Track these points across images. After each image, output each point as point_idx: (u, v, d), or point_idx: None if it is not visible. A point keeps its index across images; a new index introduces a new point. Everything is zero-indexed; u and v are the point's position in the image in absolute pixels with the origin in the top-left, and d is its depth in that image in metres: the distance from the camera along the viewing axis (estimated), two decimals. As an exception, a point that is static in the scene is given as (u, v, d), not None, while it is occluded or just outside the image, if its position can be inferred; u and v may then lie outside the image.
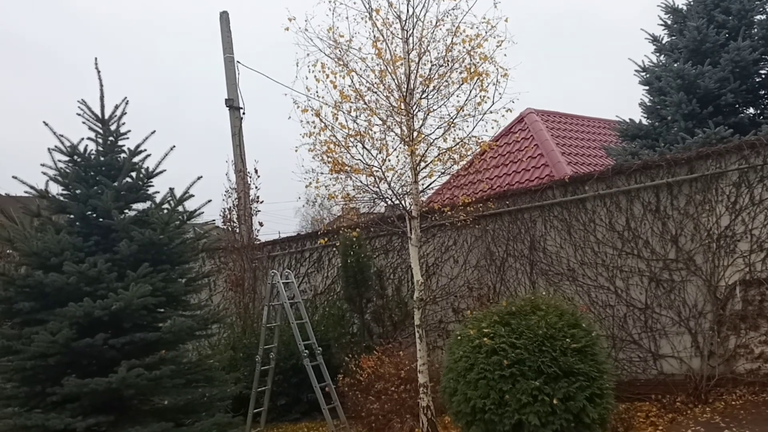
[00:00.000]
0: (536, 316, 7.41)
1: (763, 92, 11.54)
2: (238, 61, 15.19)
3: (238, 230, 13.17)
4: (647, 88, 12.31)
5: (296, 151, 9.58)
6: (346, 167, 9.38)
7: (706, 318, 8.90)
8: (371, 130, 9.36)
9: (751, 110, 11.59)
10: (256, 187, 13.27)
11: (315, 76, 9.10)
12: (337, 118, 9.34)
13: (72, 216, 7.18)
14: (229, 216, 13.10)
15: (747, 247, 8.63)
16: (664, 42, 12.47)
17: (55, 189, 7.21)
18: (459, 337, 7.74)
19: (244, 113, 15.11)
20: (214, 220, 10.61)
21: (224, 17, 15.50)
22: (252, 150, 14.59)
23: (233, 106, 15.08)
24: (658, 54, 12.50)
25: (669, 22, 12.45)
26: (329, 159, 9.36)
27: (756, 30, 11.34)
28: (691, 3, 12.10)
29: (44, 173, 7.08)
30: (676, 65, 11.46)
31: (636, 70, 12.56)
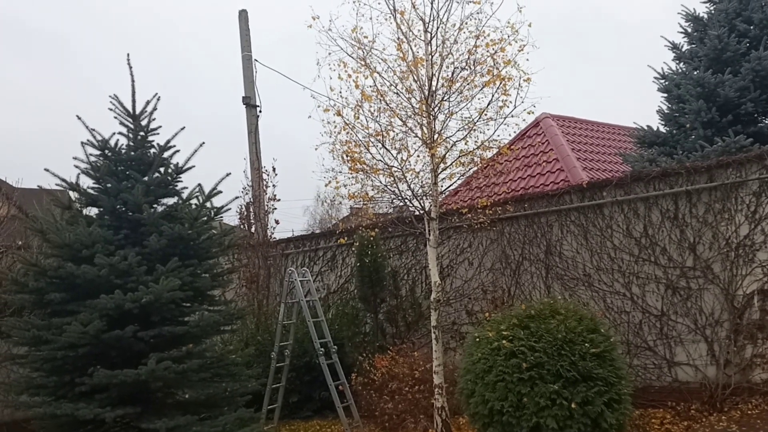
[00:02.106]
0: (555, 320, 7.45)
1: (783, 102, 11.53)
2: (255, 59, 15.27)
3: (254, 227, 13.22)
4: (666, 95, 12.32)
5: (316, 149, 9.64)
6: (366, 167, 9.43)
7: (723, 327, 8.90)
8: (392, 130, 9.42)
9: (771, 120, 11.59)
10: (273, 185, 13.32)
11: (339, 75, 9.16)
12: (358, 118, 9.39)
13: (102, 209, 7.26)
14: (245, 213, 13.16)
15: (766, 257, 8.62)
16: (683, 50, 12.48)
17: (84, 182, 7.29)
18: (477, 339, 7.78)
19: (260, 111, 15.19)
20: (222, 214, 10.65)
21: (243, 16, 15.57)
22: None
23: (250, 104, 15.15)
24: (677, 61, 12.51)
25: (689, 30, 12.45)
26: (349, 158, 9.42)
27: (778, 39, 11.34)
28: (712, 11, 12.11)
29: (76, 166, 7.19)
30: (696, 73, 11.47)
31: (655, 77, 12.57)
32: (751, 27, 11.48)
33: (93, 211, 7.55)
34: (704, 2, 12.48)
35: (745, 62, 11.04)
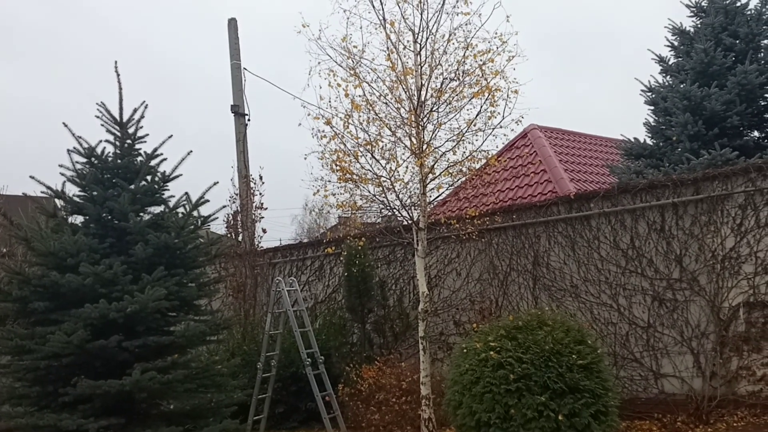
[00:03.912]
0: (543, 332, 7.45)
1: (768, 115, 11.66)
2: (244, 68, 15.24)
3: (241, 236, 13.16)
4: (653, 108, 12.41)
5: (305, 158, 9.65)
6: (355, 176, 9.43)
7: (709, 339, 8.94)
8: (381, 140, 9.43)
9: (756, 133, 11.69)
10: (260, 194, 13.28)
11: (329, 83, 9.18)
12: (347, 127, 9.41)
13: (87, 217, 7.19)
14: (232, 222, 13.10)
15: (751, 269, 8.68)
16: (670, 63, 12.59)
17: (70, 190, 7.22)
18: (465, 350, 7.76)
19: (249, 120, 15.14)
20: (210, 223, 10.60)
21: (232, 24, 15.54)
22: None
23: (239, 112, 15.10)
24: (664, 75, 12.61)
25: (676, 43, 12.56)
26: (338, 168, 9.42)
27: (763, 54, 11.47)
28: (699, 26, 12.23)
29: (62, 174, 7.12)
30: (682, 86, 11.56)
31: (642, 90, 12.67)
32: (737, 41, 11.61)
33: (79, 219, 7.48)
34: (691, 16, 12.62)
35: (731, 76, 11.15)
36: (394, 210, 9.72)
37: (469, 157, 9.56)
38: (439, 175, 9.51)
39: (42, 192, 7.08)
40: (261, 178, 13.38)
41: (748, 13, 11.83)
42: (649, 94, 12.53)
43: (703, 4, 12.41)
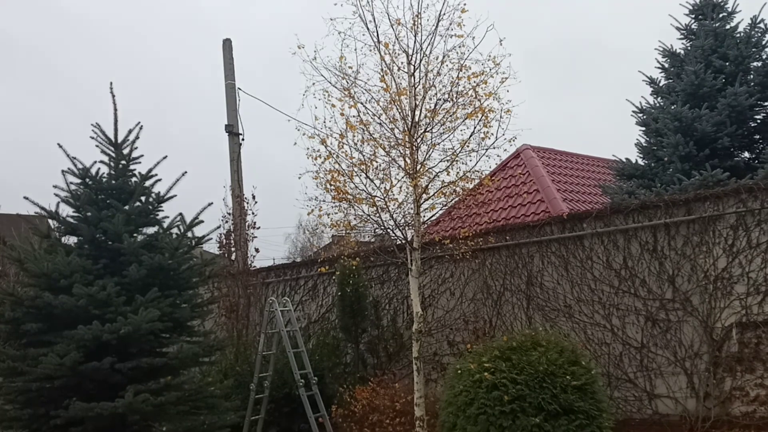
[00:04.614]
0: (537, 352, 7.43)
1: (758, 137, 11.75)
2: (239, 88, 15.30)
3: (233, 256, 13.13)
4: (644, 128, 12.51)
5: (299, 178, 9.69)
6: (349, 196, 9.46)
7: (702, 359, 8.96)
8: (375, 160, 9.48)
9: (747, 154, 11.79)
10: (253, 213, 13.28)
11: (325, 103, 9.26)
12: (342, 147, 9.46)
13: (81, 238, 7.17)
14: (225, 241, 13.08)
15: (744, 289, 8.72)
16: (661, 84, 12.71)
17: (64, 210, 7.21)
18: (459, 371, 7.73)
19: (243, 139, 15.17)
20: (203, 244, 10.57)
21: (227, 45, 15.62)
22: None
23: (233, 132, 15.13)
24: (655, 96, 12.72)
25: (666, 65, 12.69)
26: (332, 187, 9.45)
27: (752, 76, 11.59)
28: (689, 48, 12.36)
29: (56, 194, 7.11)
30: (673, 108, 11.67)
31: (633, 111, 12.77)
32: (727, 63, 11.74)
33: (72, 239, 7.46)
34: (681, 39, 12.76)
35: (721, 98, 11.26)
36: (388, 230, 9.74)
37: (462, 177, 9.62)
38: (433, 195, 9.56)
39: (36, 212, 7.07)
40: (254, 197, 13.39)
41: (738, 35, 11.98)
42: (640, 115, 12.63)
43: (693, 26, 12.56)
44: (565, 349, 7.59)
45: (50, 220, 7.17)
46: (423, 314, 9.58)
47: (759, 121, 11.71)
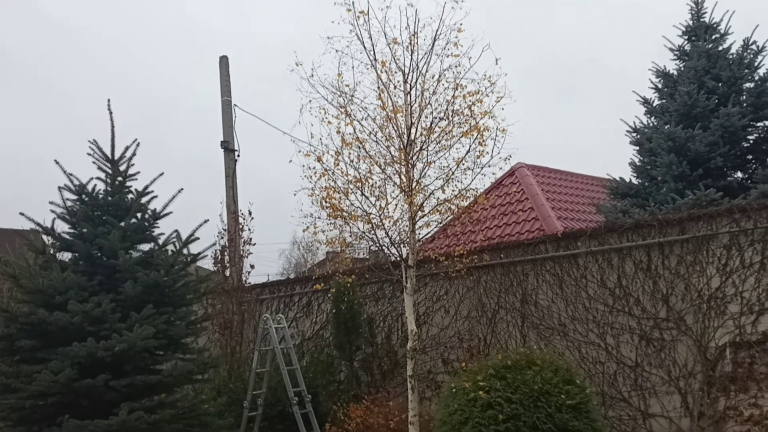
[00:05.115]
0: (532, 371, 7.44)
1: (750, 157, 11.85)
2: (235, 105, 15.35)
3: (228, 272, 13.10)
4: (638, 148, 12.60)
5: (295, 195, 9.73)
6: (344, 213, 9.49)
7: (696, 378, 8.96)
8: (371, 177, 9.53)
9: (740, 174, 11.87)
10: (249, 229, 13.27)
11: (321, 120, 9.32)
12: (338, 164, 9.51)
13: (77, 254, 7.16)
14: (220, 257, 13.06)
15: (737, 309, 8.75)
16: (654, 105, 12.82)
17: (60, 226, 7.20)
18: (453, 390, 7.73)
19: (238, 156, 15.19)
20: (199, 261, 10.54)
21: (224, 62, 15.69)
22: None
23: (228, 148, 15.16)
24: (648, 116, 12.83)
25: (660, 86, 12.81)
26: (328, 204, 9.48)
27: (745, 97, 11.71)
28: (682, 69, 12.49)
29: (52, 211, 7.12)
30: (666, 127, 11.76)
31: (627, 131, 12.87)
32: (720, 84, 11.85)
33: (67, 255, 7.45)
34: (674, 59, 12.89)
35: (714, 118, 11.36)
36: (384, 247, 9.77)
37: (458, 195, 9.67)
38: (429, 212, 9.60)
39: (31, 228, 7.06)
40: (250, 213, 13.39)
41: (730, 57, 12.11)
42: (634, 134, 12.73)
43: (686, 48, 12.70)
44: (560, 368, 7.61)
45: (46, 236, 7.16)
46: (418, 332, 9.57)
47: (752, 141, 11.81)
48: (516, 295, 10.59)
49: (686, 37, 12.77)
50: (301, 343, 12.78)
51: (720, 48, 12.24)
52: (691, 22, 12.71)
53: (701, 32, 12.47)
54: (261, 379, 10.11)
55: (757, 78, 11.88)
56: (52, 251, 7.25)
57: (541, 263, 10.38)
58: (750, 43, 12.06)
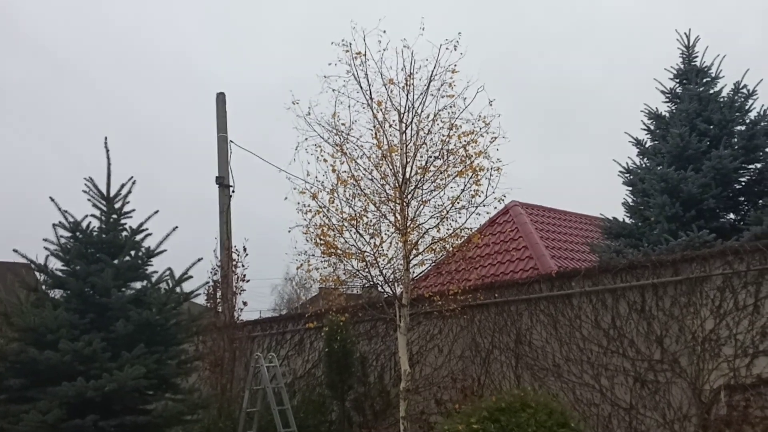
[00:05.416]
0: (526, 414, 7.37)
1: (743, 199, 11.93)
2: (231, 141, 15.40)
3: (220, 309, 12.99)
4: (631, 188, 12.68)
5: (289, 231, 9.74)
6: (338, 251, 9.49)
7: (691, 422, 8.88)
8: (366, 215, 9.56)
9: (732, 216, 11.94)
10: (243, 265, 13.19)
11: (317, 158, 9.38)
12: (333, 202, 9.54)
13: (69, 292, 7.12)
14: (212, 293, 12.96)
15: (731, 351, 8.72)
16: (647, 146, 12.94)
17: (53, 262, 7.17)
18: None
19: (233, 191, 15.17)
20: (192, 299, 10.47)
21: (220, 98, 15.78)
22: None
23: (223, 183, 15.14)
24: (641, 157, 12.94)
25: (652, 127, 12.95)
26: (322, 242, 9.48)
27: (737, 140, 11.84)
28: (674, 111, 12.64)
29: (46, 248, 7.09)
30: (659, 169, 11.85)
31: (620, 171, 12.96)
32: (711, 126, 11.99)
33: (59, 291, 7.39)
34: (666, 102, 13.05)
35: (706, 160, 11.46)
36: (378, 285, 9.75)
37: (452, 234, 9.69)
38: (423, 251, 9.61)
39: (23, 264, 7.01)
40: (245, 249, 13.32)
41: (721, 100, 12.27)
42: (627, 175, 12.82)
43: (677, 90, 12.87)
44: (555, 411, 7.53)
45: (38, 273, 7.12)
46: (411, 372, 9.49)
47: (743, 183, 11.91)
48: (510, 335, 10.53)
49: (678, 80, 12.95)
50: (292, 382, 12.64)
51: (711, 91, 12.41)
52: (682, 66, 12.90)
53: (692, 76, 12.66)
54: (251, 418, 9.97)
55: (748, 121, 12.03)
56: (44, 288, 7.20)
57: (536, 303, 10.36)
58: (741, 87, 12.23)
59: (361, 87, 9.52)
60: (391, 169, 9.43)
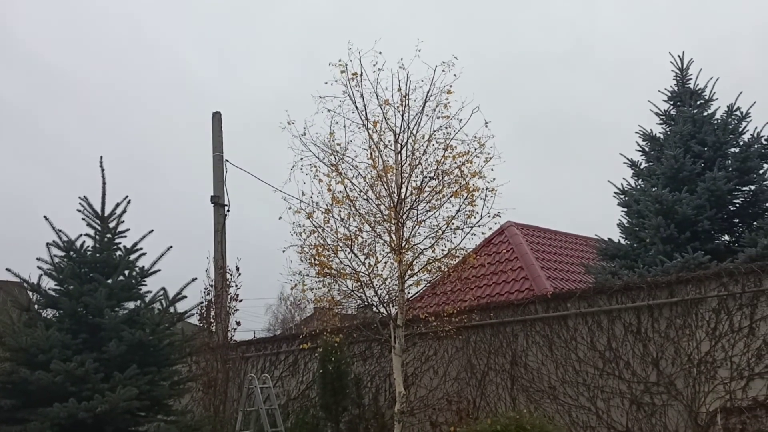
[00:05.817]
0: (521, 437, 7.31)
1: (737, 220, 11.95)
2: (227, 160, 15.40)
3: (214, 329, 12.90)
4: (626, 209, 12.70)
5: (284, 251, 9.71)
6: (333, 271, 9.46)
7: (688, 445, 8.82)
8: (361, 235, 9.54)
9: (727, 237, 11.95)
10: (237, 285, 13.13)
11: (316, 178, 9.40)
12: (327, 221, 9.53)
13: (62, 312, 7.06)
14: (206, 313, 12.88)
15: (727, 374, 8.68)
16: (642, 167, 12.98)
17: (46, 281, 7.12)
18: (442, 455, 7.56)
19: (228, 211, 15.15)
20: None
21: (216, 117, 15.82)
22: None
23: (218, 203, 15.13)
24: (636, 178, 12.97)
25: (647, 149, 13.01)
26: (317, 262, 9.45)
27: (730, 161, 11.89)
28: (668, 133, 12.70)
29: (39, 267, 7.04)
30: (654, 190, 11.88)
31: (615, 192, 12.99)
32: (705, 149, 12.05)
33: (52, 310, 7.34)
34: (660, 124, 13.12)
35: (700, 182, 11.49)
36: (373, 305, 9.72)
37: (447, 255, 9.67)
38: (418, 271, 9.58)
39: (16, 283, 6.97)
40: (238, 269, 13.28)
41: (715, 122, 12.34)
42: (622, 196, 12.85)
43: (672, 112, 12.95)
44: (550, 434, 7.47)
45: (31, 292, 7.06)
46: (406, 394, 9.42)
47: (738, 205, 11.94)
48: (506, 357, 10.48)
49: (672, 103, 13.03)
50: (286, 403, 12.53)
51: (705, 113, 12.49)
52: (676, 88, 12.99)
53: (686, 98, 12.75)
54: (244, 440, 9.87)
55: (741, 143, 12.10)
56: (37, 307, 7.14)
57: (531, 324, 10.31)
58: (734, 109, 12.31)
59: (356, 107, 9.57)
60: (386, 190, 9.43)
